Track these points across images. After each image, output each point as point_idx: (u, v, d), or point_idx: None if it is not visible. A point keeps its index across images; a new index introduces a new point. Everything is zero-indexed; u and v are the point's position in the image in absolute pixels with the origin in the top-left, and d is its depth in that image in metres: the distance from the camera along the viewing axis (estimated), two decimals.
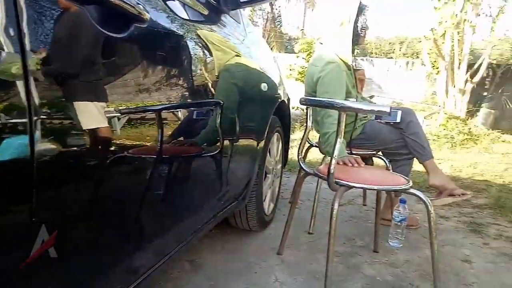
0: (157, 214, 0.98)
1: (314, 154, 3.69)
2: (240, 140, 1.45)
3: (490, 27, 6.14)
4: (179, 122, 1.07)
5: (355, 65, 2.01)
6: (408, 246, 1.84)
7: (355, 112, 1.85)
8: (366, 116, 1.99)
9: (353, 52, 1.92)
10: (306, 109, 1.52)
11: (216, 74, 1.30)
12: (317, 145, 2.09)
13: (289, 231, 1.67)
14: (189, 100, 1.11)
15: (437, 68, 6.34)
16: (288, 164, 3.32)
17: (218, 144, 1.31)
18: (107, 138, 0.75)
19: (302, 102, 1.37)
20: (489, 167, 3.82)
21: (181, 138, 1.12)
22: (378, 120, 2.00)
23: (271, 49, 9.50)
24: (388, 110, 1.12)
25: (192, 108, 1.14)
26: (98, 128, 0.72)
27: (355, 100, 1.88)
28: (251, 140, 1.56)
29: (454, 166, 3.79)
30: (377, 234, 1.80)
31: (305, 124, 1.57)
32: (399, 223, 1.81)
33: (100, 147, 0.73)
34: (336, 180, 1.31)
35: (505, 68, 6.40)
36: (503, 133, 5.82)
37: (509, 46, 8.48)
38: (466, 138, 5.28)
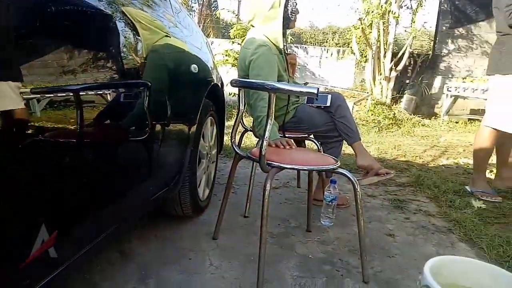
0: (78, 201, 0.90)
1: (252, 140, 3.72)
2: (170, 123, 1.40)
3: (411, 19, 6.60)
4: (104, 104, 1.01)
5: (287, 49, 2.03)
6: (339, 224, 1.93)
7: (286, 94, 1.88)
8: (298, 100, 2.03)
9: (284, 36, 1.94)
10: (239, 91, 1.50)
11: (144, 55, 1.23)
12: (251, 129, 2.10)
13: (224, 216, 1.66)
14: (112, 81, 1.04)
15: (366, 56, 6.70)
16: (225, 150, 3.31)
17: (147, 127, 1.25)
18: (23, 120, 0.68)
19: (233, 84, 1.35)
20: (411, 149, 4.14)
21: (106, 122, 1.05)
22: (310, 104, 2.05)
23: (208, 35, 9.32)
24: (315, 91, 1.15)
25: (116, 90, 1.08)
26: (10, 110, 0.65)
27: (286, 83, 1.91)
28: (182, 123, 1.51)
29: (380, 148, 4.04)
30: (310, 214, 1.86)
31: (237, 107, 1.55)
32: (330, 203, 1.89)
33: (14, 130, 0.67)
34: (268, 161, 1.32)
35: (424, 57, 6.94)
36: (423, 118, 6.34)
37: (427, 37, 9.21)
38: (391, 123, 5.67)
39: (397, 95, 6.67)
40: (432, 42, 7.69)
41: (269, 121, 1.23)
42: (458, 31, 6.79)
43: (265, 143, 1.25)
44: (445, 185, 2.62)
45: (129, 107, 1.16)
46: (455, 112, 6.55)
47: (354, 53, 6.83)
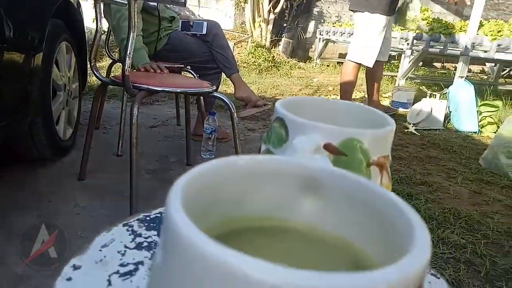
0: None
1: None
2: (3, 42, 1.12)
3: None
4: None
5: None
6: (219, 156, 1.89)
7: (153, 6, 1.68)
8: (171, 26, 1.87)
9: None
10: (95, 4, 1.27)
11: None
12: (119, 59, 1.87)
13: (95, 156, 1.48)
14: None
15: None
16: (96, 91, 2.96)
17: None
18: None
19: None
20: (288, 89, 4.34)
21: None
22: (185, 32, 1.91)
23: None
24: None
25: None
26: None
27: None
28: (22, 44, 1.23)
29: (260, 88, 4.14)
30: (190, 148, 1.79)
31: (96, 25, 1.33)
32: (210, 135, 1.85)
33: None
34: (135, 84, 1.17)
35: (300, 2, 7.17)
36: (299, 61, 6.67)
37: None
38: (271, 65, 5.83)
39: (276, 38, 6.84)
40: None
41: (131, 33, 1.06)
42: None
43: (127, 60, 1.09)
44: None
45: None
46: (326, 56, 7.06)
47: None
